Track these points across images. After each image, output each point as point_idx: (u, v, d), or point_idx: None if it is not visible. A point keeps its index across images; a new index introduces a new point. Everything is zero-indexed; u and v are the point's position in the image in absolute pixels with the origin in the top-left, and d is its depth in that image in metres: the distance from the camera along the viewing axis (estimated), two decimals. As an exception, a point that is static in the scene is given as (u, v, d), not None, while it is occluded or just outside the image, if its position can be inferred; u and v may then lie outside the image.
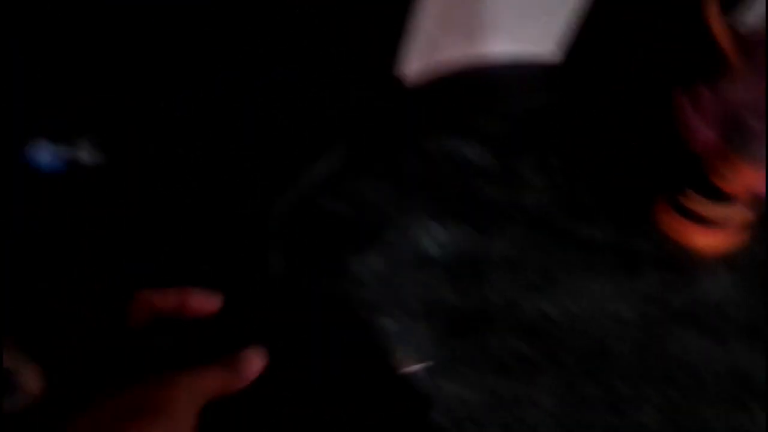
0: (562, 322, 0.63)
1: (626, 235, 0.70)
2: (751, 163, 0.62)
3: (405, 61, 0.61)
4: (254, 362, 0.42)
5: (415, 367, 0.55)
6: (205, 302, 0.43)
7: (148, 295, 0.41)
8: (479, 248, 0.66)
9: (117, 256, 0.47)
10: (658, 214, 0.71)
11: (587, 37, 0.69)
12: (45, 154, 0.45)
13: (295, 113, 0.65)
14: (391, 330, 0.59)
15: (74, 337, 0.40)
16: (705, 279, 0.68)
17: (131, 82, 0.52)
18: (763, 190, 0.65)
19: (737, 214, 0.67)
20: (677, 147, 0.77)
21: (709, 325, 0.64)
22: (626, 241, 0.69)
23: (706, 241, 0.69)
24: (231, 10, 0.57)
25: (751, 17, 0.67)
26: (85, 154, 0.44)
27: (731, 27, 0.59)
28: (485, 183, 0.71)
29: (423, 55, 0.63)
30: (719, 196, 0.66)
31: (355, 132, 0.64)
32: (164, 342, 0.41)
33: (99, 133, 0.45)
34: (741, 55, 0.60)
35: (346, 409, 0.45)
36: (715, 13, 0.58)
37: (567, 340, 0.62)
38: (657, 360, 0.61)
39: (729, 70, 0.61)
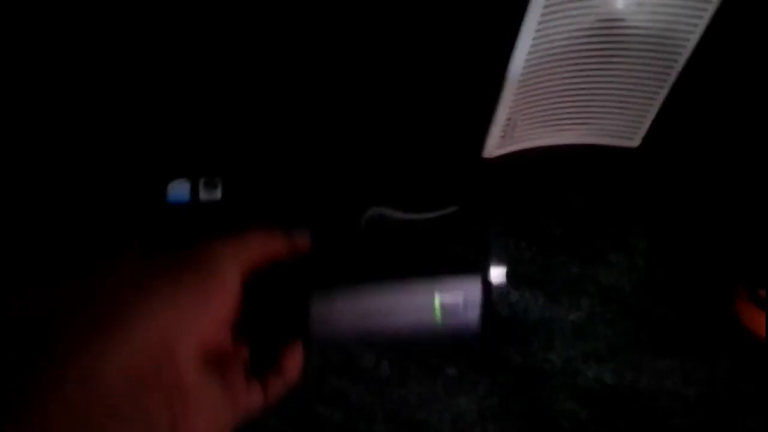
0: (621, 393, 0.65)
1: (701, 319, 0.71)
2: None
3: (489, 147, 0.68)
4: (304, 237, 0.41)
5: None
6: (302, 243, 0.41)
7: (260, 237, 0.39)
8: (549, 315, 0.71)
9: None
10: (736, 303, 0.72)
11: (666, 125, 0.73)
12: (180, 190, 0.57)
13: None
14: (451, 375, 0.65)
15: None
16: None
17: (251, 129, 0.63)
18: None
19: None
20: (761, 237, 0.78)
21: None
22: (700, 325, 0.71)
23: (782, 334, 0.69)
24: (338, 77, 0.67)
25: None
26: (205, 191, 0.56)
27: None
28: (564, 256, 0.75)
29: (506, 141, 0.70)
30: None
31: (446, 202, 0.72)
32: None
33: (220, 173, 0.56)
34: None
35: None
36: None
37: (624, 411, 0.64)
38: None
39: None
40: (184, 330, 0.32)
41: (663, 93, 0.66)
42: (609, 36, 0.59)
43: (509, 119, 0.65)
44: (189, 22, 0.60)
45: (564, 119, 0.68)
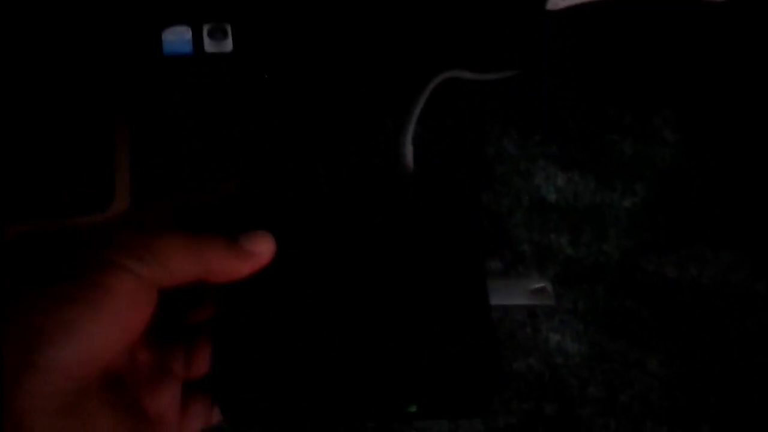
0: (683, 288, 0.58)
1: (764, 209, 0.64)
2: None
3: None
4: (264, 244, 0.35)
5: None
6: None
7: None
8: (602, 200, 0.62)
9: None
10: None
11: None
12: (177, 39, 0.45)
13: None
14: (497, 269, 0.57)
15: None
16: None
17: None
18: None
19: None
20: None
21: None
22: (763, 215, 0.63)
23: None
24: None
25: None
26: (212, 41, 0.44)
27: None
28: (616, 135, 0.66)
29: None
30: None
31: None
32: None
33: (229, 20, 0.44)
34: None
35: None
36: None
37: (686, 308, 0.57)
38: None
39: None
40: (40, 360, 0.27)
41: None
42: None
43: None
44: None
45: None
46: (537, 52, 0.60)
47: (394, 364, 0.35)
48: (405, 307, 0.36)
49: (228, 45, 0.45)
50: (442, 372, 0.35)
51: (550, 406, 0.51)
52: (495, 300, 0.48)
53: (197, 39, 0.45)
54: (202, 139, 0.45)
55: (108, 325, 0.28)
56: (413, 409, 0.36)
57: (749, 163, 0.65)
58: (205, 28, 0.45)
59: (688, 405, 0.53)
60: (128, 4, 0.45)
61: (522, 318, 0.55)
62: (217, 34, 0.45)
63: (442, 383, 0.35)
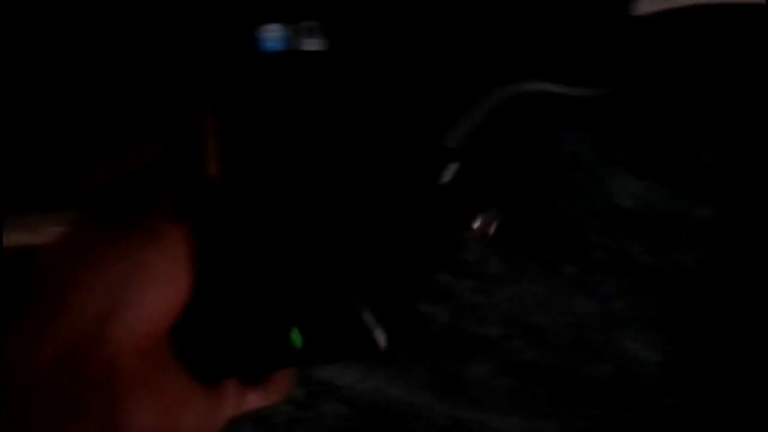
0: (759, 300, 0.57)
1: None
2: None
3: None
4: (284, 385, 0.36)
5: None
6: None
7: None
8: (678, 209, 0.61)
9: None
10: None
11: None
12: (273, 37, 0.46)
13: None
14: (571, 275, 0.57)
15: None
16: None
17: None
18: None
19: None
20: None
21: None
22: None
23: None
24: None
25: None
26: (309, 40, 0.45)
27: None
28: (698, 144, 0.65)
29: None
30: None
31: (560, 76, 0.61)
32: None
33: (325, 19, 0.45)
34: None
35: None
36: None
37: (761, 322, 0.56)
38: None
39: None
40: (121, 308, 0.29)
41: None
42: None
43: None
44: None
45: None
46: (627, 65, 0.60)
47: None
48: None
49: (321, 44, 0.46)
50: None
51: (626, 413, 0.51)
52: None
53: (291, 37, 0.46)
54: (291, 133, 0.46)
55: (179, 273, 0.30)
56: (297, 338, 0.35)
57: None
58: (299, 27, 0.46)
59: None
60: (227, 2, 0.47)
61: (595, 323, 0.55)
62: (310, 34, 0.46)
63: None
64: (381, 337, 0.33)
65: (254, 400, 0.34)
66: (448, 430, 0.56)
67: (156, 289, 0.29)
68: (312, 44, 0.46)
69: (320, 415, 0.57)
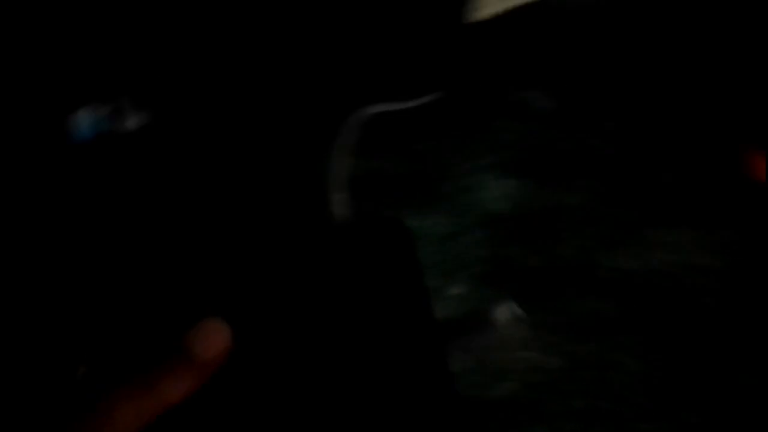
0: (643, 277, 0.58)
1: (712, 182, 0.64)
2: None
3: (476, 8, 0.56)
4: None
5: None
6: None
7: None
8: (550, 202, 0.61)
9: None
10: (742, 159, 0.65)
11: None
12: (86, 123, 0.41)
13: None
14: (455, 295, 0.56)
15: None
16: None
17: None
18: None
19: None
20: (758, 90, 0.70)
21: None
22: (712, 189, 0.64)
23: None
24: None
25: None
26: (127, 119, 0.41)
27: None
28: (553, 131, 0.65)
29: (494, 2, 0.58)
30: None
31: (415, 84, 0.60)
32: None
33: (141, 92, 0.41)
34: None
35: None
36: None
37: (649, 297, 0.57)
38: (746, 310, 0.56)
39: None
40: None
41: None
42: None
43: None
44: None
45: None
46: (459, 70, 0.59)
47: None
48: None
49: (137, 121, 0.42)
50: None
51: (538, 427, 0.50)
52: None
53: (107, 118, 0.42)
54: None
55: None
56: None
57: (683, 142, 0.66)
58: (115, 107, 0.42)
59: (673, 396, 0.52)
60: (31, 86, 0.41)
61: (491, 341, 0.54)
62: (128, 112, 0.42)
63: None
64: None
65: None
66: None
67: None
68: (132, 122, 0.42)
69: None
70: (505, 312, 0.54)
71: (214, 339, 0.31)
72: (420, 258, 0.46)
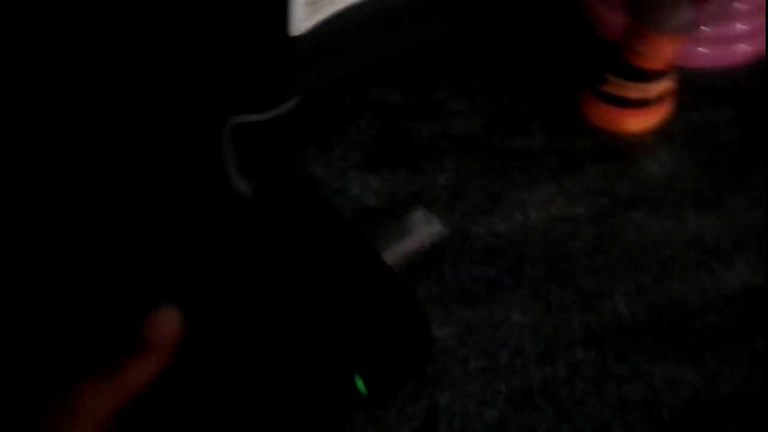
0: (516, 237, 0.62)
1: (560, 137, 0.69)
2: (663, 33, 0.62)
3: (296, 21, 0.59)
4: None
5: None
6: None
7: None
8: (418, 186, 0.65)
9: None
10: (584, 108, 0.70)
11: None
12: None
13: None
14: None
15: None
16: (645, 159, 0.68)
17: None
18: (679, 57, 0.64)
19: (660, 87, 0.67)
20: (589, 39, 0.76)
21: (659, 202, 0.64)
22: (561, 143, 0.69)
23: (636, 122, 0.69)
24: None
25: None
26: None
27: None
28: (408, 121, 0.69)
29: (311, 11, 0.60)
30: (639, 75, 0.65)
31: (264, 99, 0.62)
32: None
33: None
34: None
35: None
36: None
37: (525, 254, 0.61)
38: (617, 249, 0.61)
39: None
40: None
41: None
42: None
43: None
44: None
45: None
46: (294, 79, 0.61)
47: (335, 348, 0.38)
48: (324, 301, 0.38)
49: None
50: (379, 339, 0.39)
51: (443, 396, 0.52)
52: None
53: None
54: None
55: None
56: (361, 385, 0.37)
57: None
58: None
59: (560, 340, 0.56)
60: None
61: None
62: None
63: (383, 350, 0.39)
64: None
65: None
66: None
67: None
68: None
69: None
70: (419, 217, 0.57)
71: (166, 324, 0.33)
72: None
